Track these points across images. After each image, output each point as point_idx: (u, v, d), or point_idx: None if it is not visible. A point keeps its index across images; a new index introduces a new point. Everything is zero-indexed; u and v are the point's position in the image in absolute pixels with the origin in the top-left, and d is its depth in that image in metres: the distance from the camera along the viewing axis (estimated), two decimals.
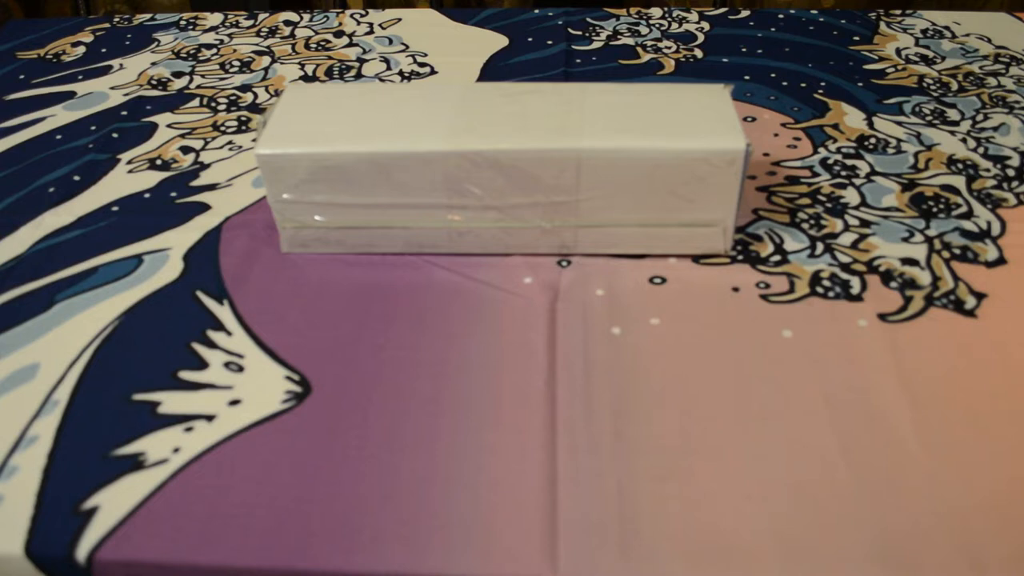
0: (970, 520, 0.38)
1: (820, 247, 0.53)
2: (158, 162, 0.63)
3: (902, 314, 0.49)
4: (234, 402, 0.45)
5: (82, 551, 0.38)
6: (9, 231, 0.56)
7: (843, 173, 0.60)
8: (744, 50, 0.76)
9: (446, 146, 0.48)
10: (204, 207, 0.58)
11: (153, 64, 0.75)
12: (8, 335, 0.49)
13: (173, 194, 0.59)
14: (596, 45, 0.77)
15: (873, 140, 0.63)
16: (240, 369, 0.46)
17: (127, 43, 0.79)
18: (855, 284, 0.51)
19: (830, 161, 0.61)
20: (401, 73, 0.73)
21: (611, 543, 0.38)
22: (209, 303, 0.50)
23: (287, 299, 0.51)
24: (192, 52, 0.77)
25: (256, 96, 0.70)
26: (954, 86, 0.70)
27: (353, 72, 0.73)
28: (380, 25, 0.81)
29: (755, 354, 0.46)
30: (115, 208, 0.58)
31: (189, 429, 0.43)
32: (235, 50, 0.77)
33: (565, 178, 0.49)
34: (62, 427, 0.44)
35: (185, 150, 0.64)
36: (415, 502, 0.40)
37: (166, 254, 0.54)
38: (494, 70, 0.73)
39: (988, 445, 0.42)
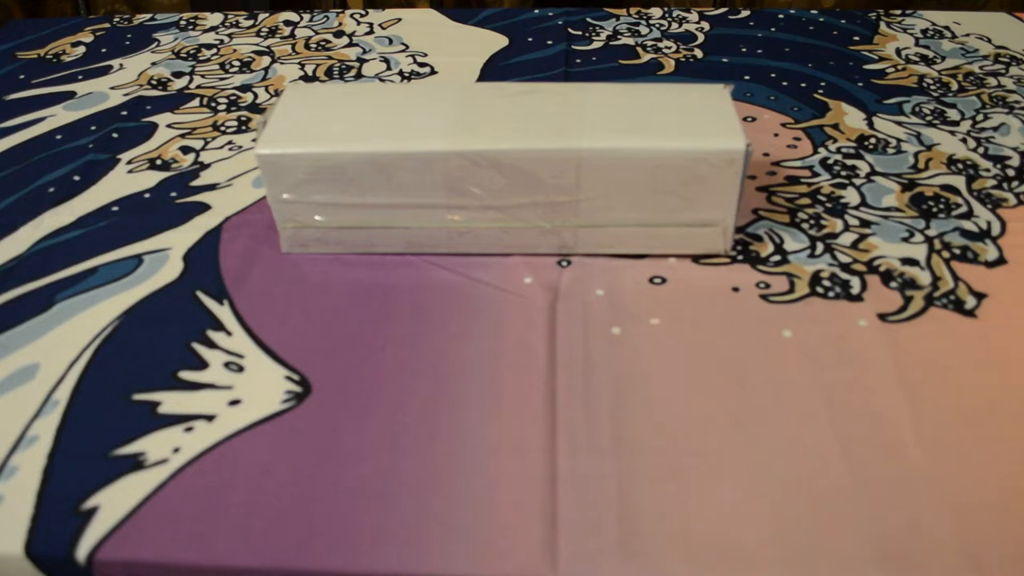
0: (970, 520, 0.38)
1: (820, 247, 0.53)
2: (158, 162, 0.63)
3: (902, 314, 0.49)
4: (234, 402, 0.45)
5: (82, 551, 0.38)
6: (9, 231, 0.56)
7: (843, 173, 0.60)
8: (744, 50, 0.76)
9: (446, 146, 0.48)
10: (204, 207, 0.58)
11: (153, 64, 0.75)
12: (8, 335, 0.49)
13: (173, 194, 0.59)
14: (596, 45, 0.77)
15: (873, 140, 0.63)
16: (240, 369, 0.46)
17: (127, 43, 0.79)
18: (855, 284, 0.51)
19: (830, 161, 0.61)
20: (401, 73, 0.73)
21: (611, 543, 0.38)
22: (209, 303, 0.50)
23: (287, 299, 0.51)
24: (192, 52, 0.77)
25: (256, 96, 0.70)
26: (954, 86, 0.70)
27: (353, 72, 0.73)
28: (380, 25, 0.81)
29: (755, 354, 0.46)
30: (115, 208, 0.58)
31: (189, 429, 0.43)
32: (235, 50, 0.77)
33: (565, 178, 0.49)
34: (62, 427, 0.44)
35: (185, 150, 0.64)
36: (415, 502, 0.40)
37: (166, 254, 0.54)
38: (494, 70, 0.73)
39: (988, 445, 0.42)
